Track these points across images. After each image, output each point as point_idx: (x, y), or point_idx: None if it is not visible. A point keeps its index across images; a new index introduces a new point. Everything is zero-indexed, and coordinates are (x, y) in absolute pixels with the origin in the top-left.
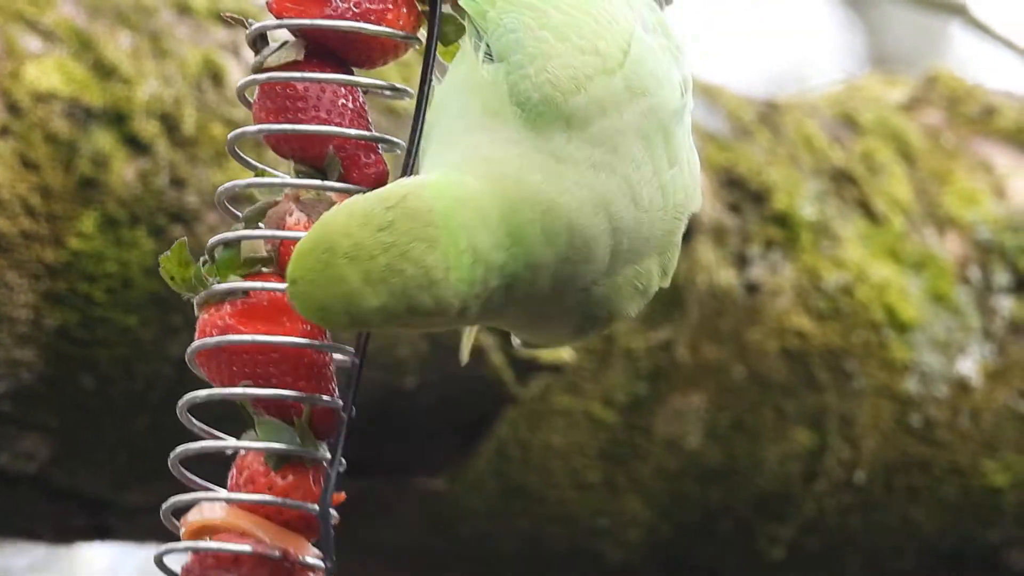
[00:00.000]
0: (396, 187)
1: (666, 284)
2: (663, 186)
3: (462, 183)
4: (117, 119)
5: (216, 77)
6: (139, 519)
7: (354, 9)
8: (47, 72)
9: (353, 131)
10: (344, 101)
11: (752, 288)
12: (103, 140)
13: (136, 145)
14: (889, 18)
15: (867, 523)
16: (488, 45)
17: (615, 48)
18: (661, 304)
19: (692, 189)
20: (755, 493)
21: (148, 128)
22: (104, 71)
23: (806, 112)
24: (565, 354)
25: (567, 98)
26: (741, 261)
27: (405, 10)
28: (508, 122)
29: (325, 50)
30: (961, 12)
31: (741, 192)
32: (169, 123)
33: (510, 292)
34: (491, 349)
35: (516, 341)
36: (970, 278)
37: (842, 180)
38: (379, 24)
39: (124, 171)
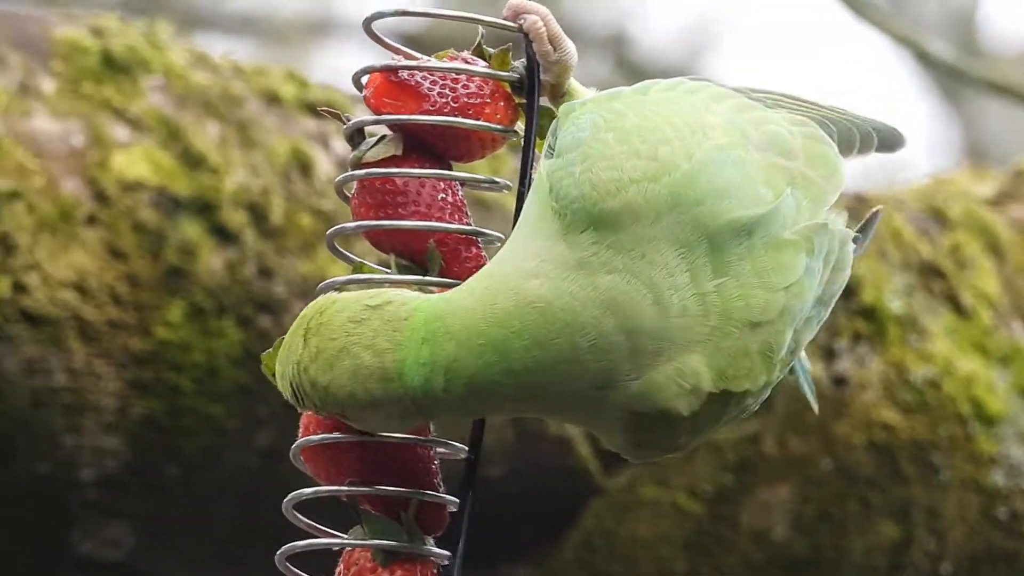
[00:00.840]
0: (385, 292)
1: (729, 387)
2: (703, 294)
3: (449, 299)
4: (205, 208)
5: (304, 167)
6: None
7: (452, 104)
8: (135, 161)
9: (453, 226)
10: (444, 195)
11: (839, 381)
12: (190, 229)
13: (223, 235)
14: (983, 112)
15: None
16: (555, 140)
17: (680, 155)
18: None
19: (762, 300)
20: None
21: (236, 218)
22: (192, 160)
23: (895, 205)
24: None
25: (602, 201)
26: (829, 354)
27: (503, 103)
28: (547, 222)
29: (423, 144)
30: None
31: None
32: (257, 213)
33: (504, 391)
34: (578, 440)
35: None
36: None
37: (930, 274)
38: (477, 118)
39: (211, 261)
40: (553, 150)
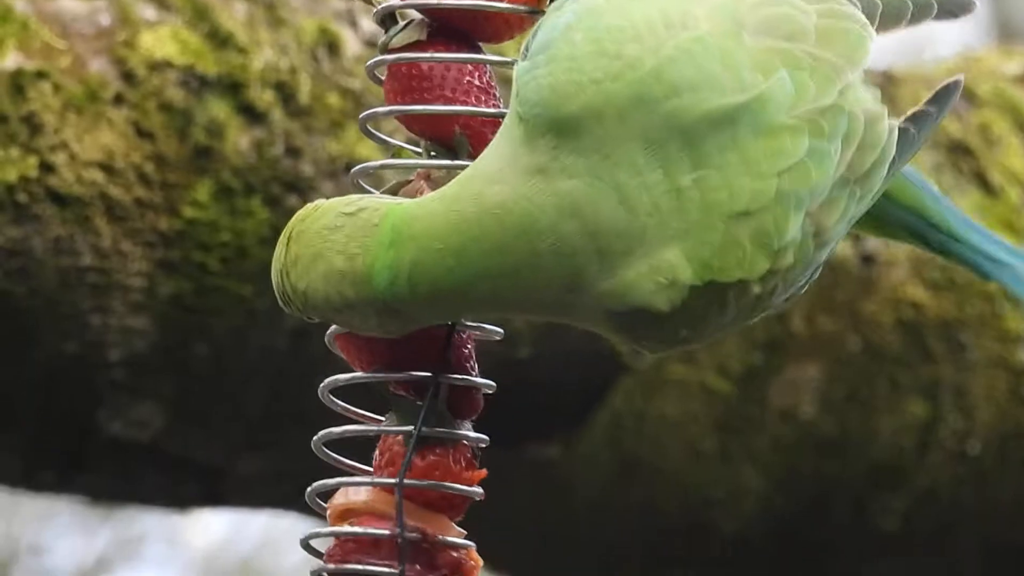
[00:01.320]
0: (362, 199)
1: (717, 278)
2: (679, 189)
3: (420, 204)
4: (232, 88)
5: (332, 47)
6: (253, 487)
7: None
8: (162, 41)
9: (477, 109)
10: (470, 79)
11: (867, 259)
12: (218, 109)
13: (251, 114)
14: None
15: (980, 495)
16: (532, 40)
17: (648, 51)
18: None
19: (749, 188)
20: (869, 465)
21: (263, 97)
22: (219, 40)
23: (923, 84)
24: None
25: (561, 105)
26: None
27: None
28: (514, 128)
29: (452, 28)
30: None
31: None
32: (284, 92)
33: (468, 295)
34: None
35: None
36: None
37: (959, 152)
38: (503, 0)
39: (239, 140)
40: (528, 51)
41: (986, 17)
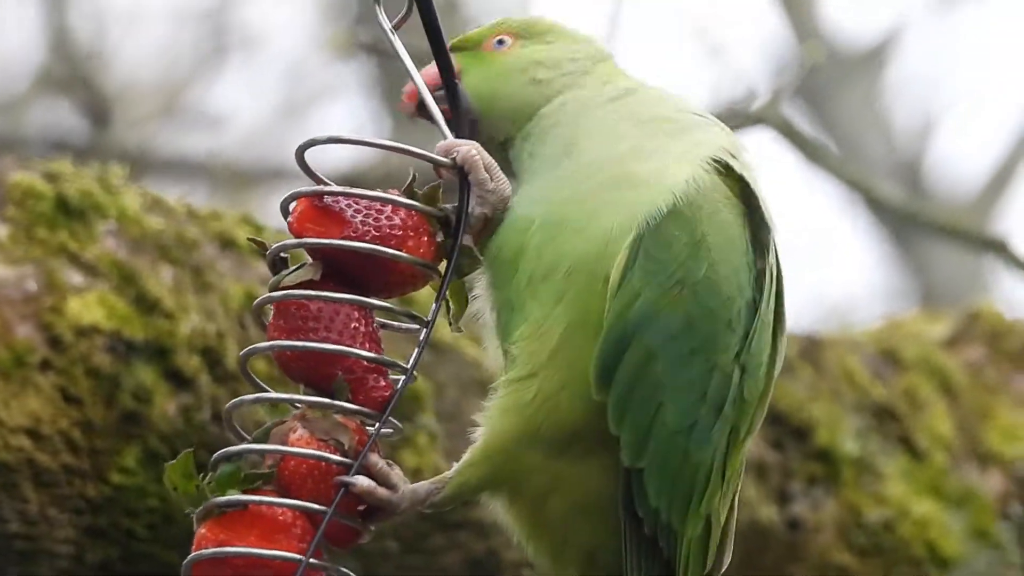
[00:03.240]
0: None
1: None
2: None
3: None
4: (159, 353)
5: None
6: None
7: (374, 232)
8: (89, 306)
9: (363, 352)
10: (357, 324)
11: (794, 524)
12: (145, 374)
13: (178, 380)
14: (934, 256)
15: None
16: None
17: None
18: None
19: None
20: None
21: (190, 363)
22: (146, 305)
23: (849, 348)
24: None
25: None
26: (783, 497)
27: (426, 239)
28: None
29: (344, 274)
30: (1002, 249)
31: (783, 428)
32: (211, 357)
33: None
34: None
35: None
36: (1011, 514)
37: (884, 416)
38: (398, 250)
39: (166, 406)
40: None
41: (910, 283)
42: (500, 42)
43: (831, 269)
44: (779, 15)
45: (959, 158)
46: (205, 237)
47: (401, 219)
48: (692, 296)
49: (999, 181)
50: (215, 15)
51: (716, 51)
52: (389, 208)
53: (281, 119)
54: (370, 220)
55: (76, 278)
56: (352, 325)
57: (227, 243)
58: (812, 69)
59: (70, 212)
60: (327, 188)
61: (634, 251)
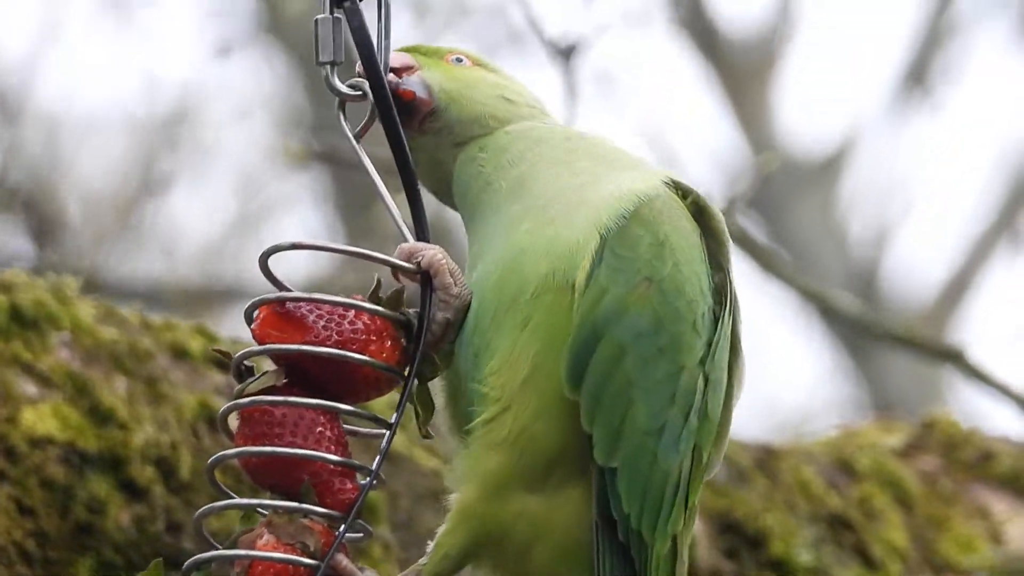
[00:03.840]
0: None
1: None
2: None
3: None
4: (113, 464)
5: (212, 421)
6: None
7: (336, 337)
8: (43, 417)
9: (329, 456)
10: (322, 429)
11: None
12: (99, 486)
13: (132, 490)
14: (888, 366)
15: None
16: None
17: None
18: None
19: None
20: None
21: (144, 473)
22: (100, 416)
23: (803, 458)
24: None
25: None
26: None
27: (389, 343)
28: None
29: (308, 380)
30: (958, 359)
31: (738, 537)
32: (165, 468)
33: None
34: None
35: None
36: None
37: (839, 526)
38: (361, 354)
39: (120, 516)
40: None
41: (864, 394)
42: (459, 60)
43: (785, 379)
44: (733, 124)
45: (914, 267)
46: (158, 348)
47: (364, 324)
48: (659, 293)
49: (954, 290)
50: (169, 127)
51: (670, 159)
52: (352, 313)
53: (235, 233)
54: (332, 325)
55: (30, 389)
56: (317, 429)
57: (180, 353)
58: (766, 178)
59: (24, 322)
60: (289, 294)
61: (599, 252)
